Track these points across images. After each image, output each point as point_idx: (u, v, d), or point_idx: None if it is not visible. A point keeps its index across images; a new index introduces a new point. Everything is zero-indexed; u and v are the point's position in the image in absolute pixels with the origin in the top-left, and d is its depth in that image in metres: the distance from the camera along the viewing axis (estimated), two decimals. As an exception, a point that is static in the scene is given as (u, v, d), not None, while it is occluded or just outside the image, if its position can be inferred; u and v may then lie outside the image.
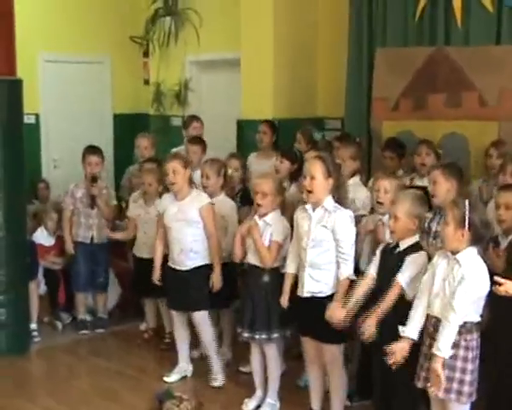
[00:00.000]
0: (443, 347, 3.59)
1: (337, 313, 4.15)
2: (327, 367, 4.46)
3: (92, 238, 6.25)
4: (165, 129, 8.71)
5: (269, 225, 4.66)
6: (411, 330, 3.79)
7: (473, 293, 3.60)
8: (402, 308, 3.89)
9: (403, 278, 3.93)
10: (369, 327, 3.96)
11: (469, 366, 3.66)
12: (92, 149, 6.27)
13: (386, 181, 4.59)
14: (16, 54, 5.75)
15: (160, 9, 8.70)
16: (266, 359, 4.78)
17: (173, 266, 5.17)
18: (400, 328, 3.80)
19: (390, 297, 3.94)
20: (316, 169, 4.29)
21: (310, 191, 4.29)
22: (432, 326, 3.72)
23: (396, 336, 3.82)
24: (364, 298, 4.12)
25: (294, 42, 7.42)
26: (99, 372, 5.56)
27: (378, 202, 4.58)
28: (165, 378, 5.30)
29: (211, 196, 5.20)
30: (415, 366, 3.83)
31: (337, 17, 7.34)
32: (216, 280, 5.06)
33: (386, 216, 4.39)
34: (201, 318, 5.14)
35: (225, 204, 5.35)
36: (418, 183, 5.31)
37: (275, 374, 4.80)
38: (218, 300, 5.18)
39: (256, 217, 4.72)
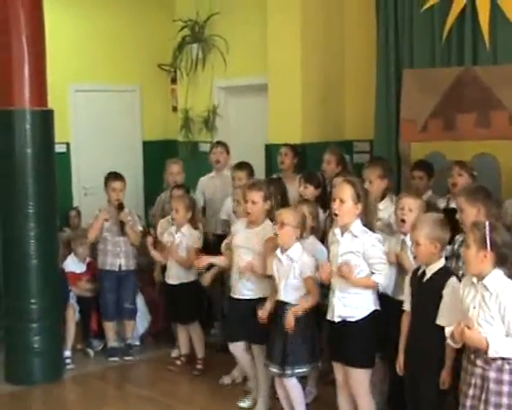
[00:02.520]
0: (493, 342, 3.49)
1: None
2: (352, 392, 4.43)
3: (120, 266, 6.27)
4: (194, 155, 8.77)
5: (294, 262, 4.63)
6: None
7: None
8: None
9: (443, 320, 3.87)
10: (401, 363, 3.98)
11: None
12: (115, 175, 6.31)
13: (411, 199, 4.54)
14: (48, 84, 5.84)
15: (187, 37, 8.79)
16: (287, 388, 4.74)
17: (232, 295, 5.14)
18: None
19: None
20: (345, 193, 4.29)
21: (337, 214, 4.30)
22: (473, 353, 3.63)
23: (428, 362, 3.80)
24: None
25: (321, 65, 7.44)
26: (131, 399, 5.58)
27: (401, 220, 4.53)
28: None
29: (256, 221, 5.07)
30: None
31: (364, 39, 7.36)
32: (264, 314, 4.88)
33: (408, 237, 4.36)
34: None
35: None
36: (453, 205, 5.22)
37: (299, 401, 4.76)
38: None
39: (278, 251, 4.69)
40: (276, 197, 5.40)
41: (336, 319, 4.34)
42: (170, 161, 6.90)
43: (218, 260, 5.46)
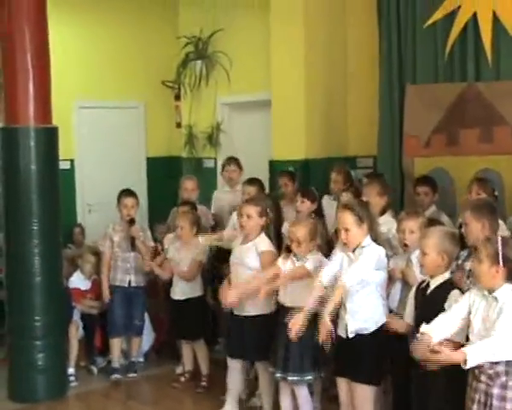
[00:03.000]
0: (470, 351, 3.48)
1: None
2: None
3: (130, 282, 6.27)
4: (198, 171, 8.77)
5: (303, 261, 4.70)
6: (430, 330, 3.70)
7: None
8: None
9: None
10: None
11: None
12: (128, 192, 6.34)
13: (411, 221, 4.56)
14: (52, 100, 5.86)
15: (190, 53, 8.83)
16: (298, 402, 4.75)
17: (232, 310, 5.15)
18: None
19: None
20: (347, 221, 4.34)
21: (346, 244, 4.35)
22: (477, 369, 3.61)
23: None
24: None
25: (325, 81, 7.46)
26: (136, 417, 5.57)
27: (404, 245, 4.56)
28: None
29: (250, 236, 5.10)
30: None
31: (367, 55, 7.39)
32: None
33: (414, 254, 4.39)
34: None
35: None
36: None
37: None
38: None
39: (294, 258, 4.75)
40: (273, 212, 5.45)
41: (350, 335, 4.34)
42: (184, 178, 7.00)
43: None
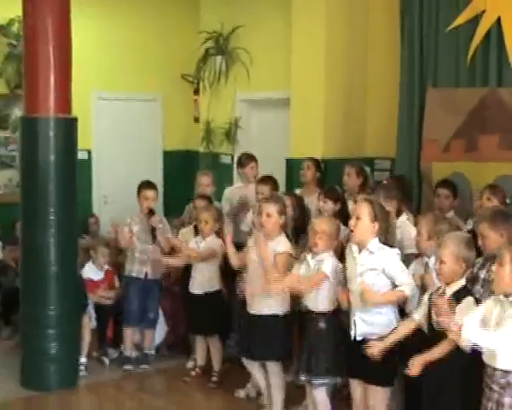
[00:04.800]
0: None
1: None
2: None
3: (146, 275, 6.27)
4: (214, 166, 8.77)
5: (319, 263, 4.68)
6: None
7: None
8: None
9: None
10: (414, 368, 3.93)
11: None
12: (149, 184, 6.33)
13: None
14: (72, 92, 5.88)
15: (211, 49, 8.83)
16: (316, 403, 4.76)
17: (248, 310, 5.14)
18: None
19: (443, 348, 3.88)
20: (362, 211, 4.33)
21: (352, 231, 4.32)
22: (489, 378, 3.63)
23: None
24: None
25: (345, 81, 7.45)
26: (146, 409, 5.57)
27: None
28: None
29: (270, 235, 5.06)
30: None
31: (388, 57, 7.36)
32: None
33: (432, 259, 4.38)
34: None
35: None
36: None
37: None
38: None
39: (309, 256, 4.72)
40: (295, 211, 5.42)
41: (358, 338, 4.35)
42: (200, 173, 6.98)
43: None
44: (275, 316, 5.00)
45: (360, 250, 4.35)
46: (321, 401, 4.74)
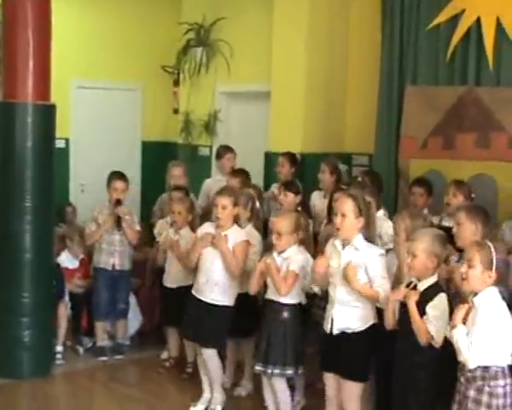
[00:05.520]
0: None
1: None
2: (343, 405, 4.42)
3: (114, 265, 6.24)
4: (193, 158, 8.78)
5: (286, 260, 4.69)
6: None
7: (489, 336, 3.55)
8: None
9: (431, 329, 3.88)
10: None
11: None
12: (118, 175, 6.28)
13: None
14: (51, 79, 5.83)
15: (191, 40, 8.81)
16: (276, 392, 4.78)
17: (196, 296, 5.18)
18: None
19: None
20: (346, 208, 4.31)
21: (339, 229, 4.32)
22: (459, 371, 3.68)
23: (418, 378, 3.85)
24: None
25: (325, 76, 7.48)
26: (118, 398, 5.57)
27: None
28: (191, 408, 5.25)
29: (224, 226, 5.12)
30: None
31: (368, 53, 7.40)
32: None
33: None
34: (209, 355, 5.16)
35: (252, 236, 5.36)
36: (445, 223, 5.27)
37: (287, 407, 4.80)
38: (238, 329, 5.19)
39: (274, 253, 4.74)
40: (254, 204, 5.50)
41: (335, 332, 4.35)
42: (172, 164, 6.91)
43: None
44: (225, 307, 5.07)
45: (344, 246, 4.35)
46: (281, 391, 4.76)
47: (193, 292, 5.22)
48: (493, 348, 3.56)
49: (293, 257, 4.67)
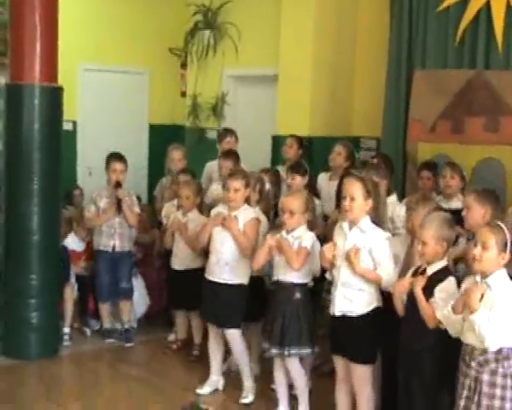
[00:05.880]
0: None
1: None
2: (354, 388, 4.43)
3: (114, 247, 6.24)
4: (200, 141, 8.76)
5: (297, 239, 4.69)
6: None
7: (507, 317, 3.54)
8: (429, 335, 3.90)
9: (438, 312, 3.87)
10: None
11: (509, 394, 3.59)
12: (117, 156, 6.26)
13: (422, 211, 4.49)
14: (58, 62, 5.83)
15: (199, 22, 8.77)
16: (291, 375, 4.79)
17: (209, 278, 5.18)
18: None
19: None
20: (355, 190, 4.29)
21: (347, 211, 4.31)
22: (468, 355, 3.68)
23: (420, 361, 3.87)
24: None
25: (333, 60, 7.44)
26: (126, 380, 5.59)
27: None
28: (198, 390, 5.28)
29: (236, 208, 5.12)
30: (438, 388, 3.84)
31: (376, 37, 7.36)
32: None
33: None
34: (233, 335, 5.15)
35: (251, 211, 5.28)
36: (444, 205, 5.23)
37: (304, 389, 4.82)
38: (247, 314, 5.19)
39: (283, 232, 4.74)
40: (272, 188, 5.51)
41: (337, 313, 4.35)
42: (171, 147, 6.85)
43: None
44: (238, 285, 5.07)
45: (351, 228, 4.35)
46: (297, 372, 4.77)
47: (206, 275, 5.21)
48: (509, 329, 3.55)
49: (303, 236, 4.68)
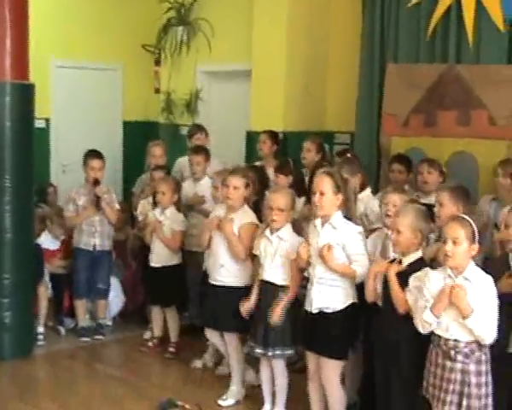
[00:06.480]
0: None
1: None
2: (323, 382, 4.45)
3: (94, 246, 6.22)
4: (175, 138, 8.73)
5: (283, 241, 4.65)
6: None
7: (492, 307, 3.62)
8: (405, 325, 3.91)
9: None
10: None
11: (490, 378, 3.69)
12: (94, 154, 6.24)
13: (396, 196, 4.55)
14: (29, 58, 5.77)
15: (172, 19, 8.74)
16: (275, 373, 4.78)
17: (210, 281, 5.12)
18: None
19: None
20: (324, 185, 4.30)
21: (317, 206, 4.31)
22: (452, 349, 3.69)
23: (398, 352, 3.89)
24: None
25: (306, 55, 7.45)
26: (102, 379, 5.56)
27: (387, 215, 4.54)
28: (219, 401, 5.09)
29: (235, 207, 5.03)
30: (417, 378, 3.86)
31: (349, 31, 7.38)
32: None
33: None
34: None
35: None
36: (423, 201, 5.26)
37: (283, 387, 4.82)
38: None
39: (267, 231, 4.71)
40: (254, 185, 5.43)
41: (314, 311, 4.36)
42: (152, 144, 6.83)
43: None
44: (237, 288, 4.99)
45: (323, 224, 4.35)
46: (280, 371, 4.77)
47: (208, 279, 5.15)
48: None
49: (291, 242, 4.62)
